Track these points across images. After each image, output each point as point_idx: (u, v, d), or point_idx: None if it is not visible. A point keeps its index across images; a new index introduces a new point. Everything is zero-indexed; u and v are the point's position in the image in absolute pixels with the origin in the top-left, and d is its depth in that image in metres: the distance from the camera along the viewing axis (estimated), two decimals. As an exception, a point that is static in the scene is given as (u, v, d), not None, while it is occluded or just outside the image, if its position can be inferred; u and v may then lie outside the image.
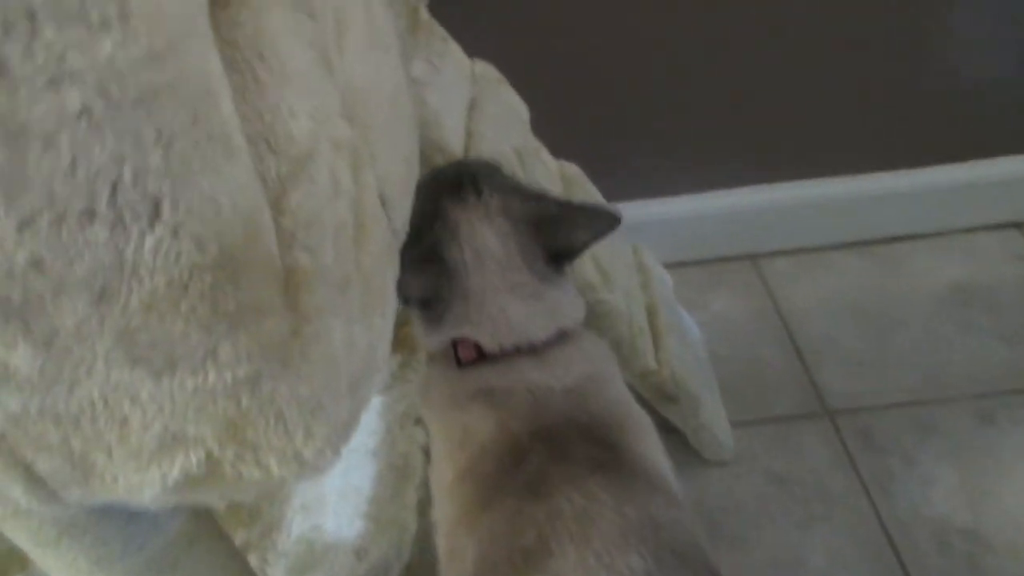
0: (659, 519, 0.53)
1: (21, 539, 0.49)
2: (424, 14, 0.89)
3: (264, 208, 0.34)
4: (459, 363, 0.63)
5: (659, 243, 1.20)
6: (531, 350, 0.62)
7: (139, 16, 0.26)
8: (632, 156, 1.22)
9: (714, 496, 1.00)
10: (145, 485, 0.37)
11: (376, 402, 1.07)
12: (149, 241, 0.29)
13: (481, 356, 0.62)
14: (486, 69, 0.97)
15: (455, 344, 0.63)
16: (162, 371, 0.32)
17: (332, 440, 0.38)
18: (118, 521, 0.49)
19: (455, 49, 0.92)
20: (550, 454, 0.56)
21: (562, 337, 0.64)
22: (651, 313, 1.01)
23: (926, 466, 1.00)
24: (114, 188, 0.27)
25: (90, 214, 0.28)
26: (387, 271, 0.47)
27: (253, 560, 0.93)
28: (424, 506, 0.93)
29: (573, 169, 1.05)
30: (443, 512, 0.61)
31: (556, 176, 1.01)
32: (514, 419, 0.59)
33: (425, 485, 0.94)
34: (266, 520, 0.97)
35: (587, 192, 1.04)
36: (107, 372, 0.32)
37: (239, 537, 0.95)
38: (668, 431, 0.99)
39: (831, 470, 1.01)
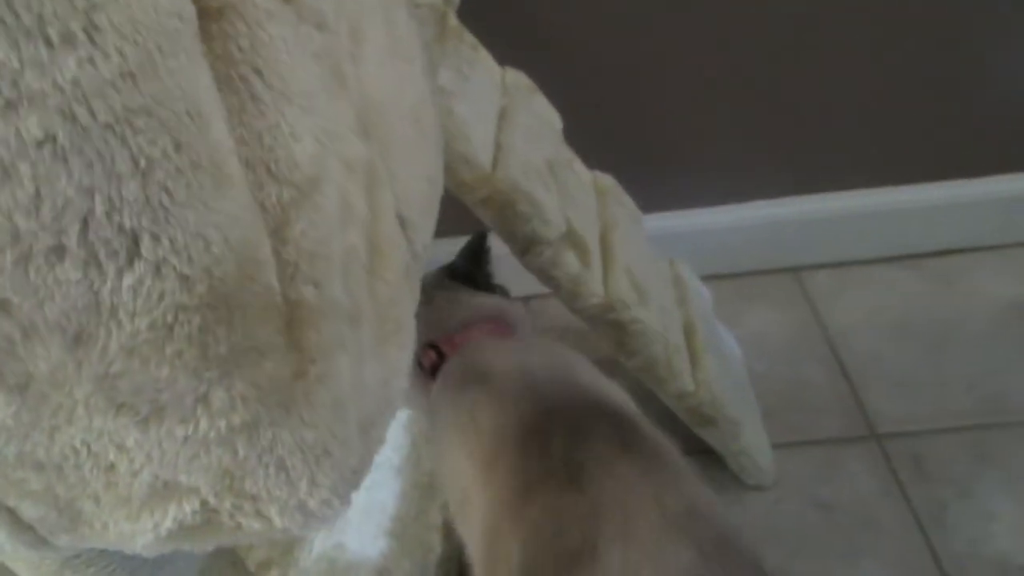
0: (698, 507, 0.53)
1: (23, 571, 0.47)
2: (453, 20, 0.86)
3: (263, 240, 0.31)
4: (432, 373, 0.68)
5: (696, 256, 1.15)
6: (476, 328, 0.69)
7: (109, 30, 0.23)
8: (669, 166, 1.18)
9: (753, 523, 0.95)
10: (137, 534, 0.34)
11: (401, 416, 1.05)
12: (128, 280, 0.26)
13: (440, 357, 0.70)
14: (518, 77, 0.94)
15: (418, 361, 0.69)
16: (148, 418, 0.29)
17: (340, 489, 0.35)
18: (123, 553, 0.46)
19: (485, 57, 0.89)
20: (572, 436, 0.56)
21: (501, 321, 0.72)
22: (688, 331, 0.97)
23: (984, 497, 0.93)
24: (85, 223, 0.25)
25: (59, 251, 0.25)
26: (405, 298, 0.44)
27: (274, 577, 0.91)
28: (450, 528, 0.90)
29: (608, 180, 1.01)
30: (477, 512, 0.58)
31: (590, 187, 0.97)
32: (511, 395, 0.59)
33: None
34: (288, 537, 0.95)
35: (622, 204, 1.00)
36: (88, 419, 0.29)
37: (260, 554, 0.93)
38: (704, 452, 0.95)
39: (879, 499, 0.95)
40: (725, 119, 1.14)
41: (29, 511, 0.33)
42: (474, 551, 0.58)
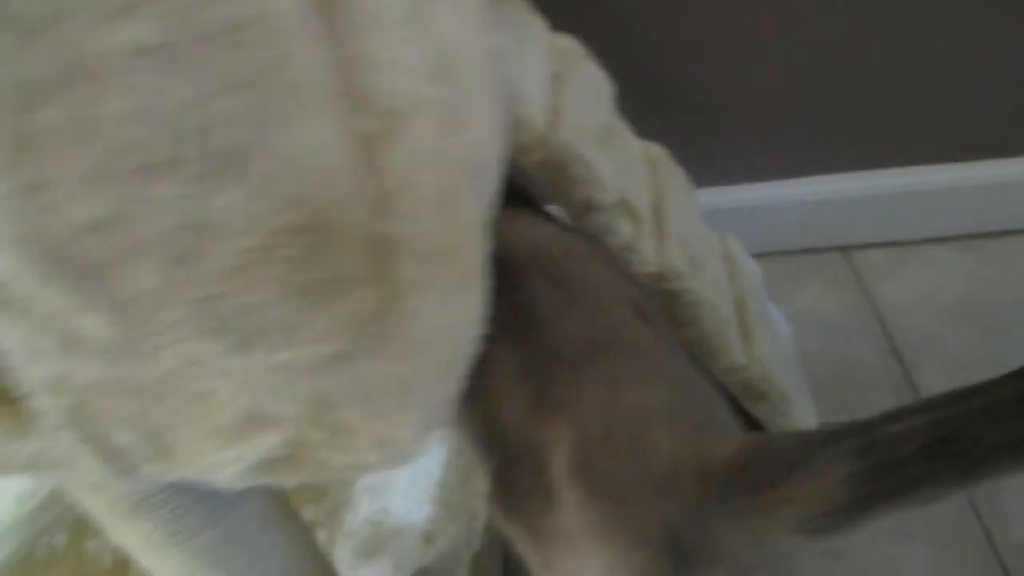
0: None
1: (97, 510, 0.48)
2: (508, -16, 0.85)
3: (352, 169, 0.30)
4: None
5: (745, 232, 1.13)
6: None
7: None
8: (718, 140, 1.16)
9: (800, 501, 0.94)
10: (225, 465, 0.34)
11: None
12: (227, 199, 0.26)
13: None
14: (568, 43, 0.92)
15: None
16: (244, 343, 0.29)
17: (424, 425, 0.35)
18: (193, 496, 0.47)
19: (538, 22, 0.88)
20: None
21: None
22: (739, 305, 0.95)
23: (1043, 482, 0.91)
24: (186, 138, 0.25)
25: (166, 165, 0.25)
26: (480, 247, 0.44)
27: (321, 537, 0.92)
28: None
29: (658, 150, 1.00)
30: None
31: (640, 157, 0.96)
32: None
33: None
34: (334, 499, 0.97)
35: (673, 173, 0.99)
36: (186, 342, 0.29)
37: (307, 514, 0.95)
38: (754, 428, 0.93)
39: (932, 481, 0.93)
40: (777, 94, 1.11)
41: (121, 437, 0.34)
42: None
